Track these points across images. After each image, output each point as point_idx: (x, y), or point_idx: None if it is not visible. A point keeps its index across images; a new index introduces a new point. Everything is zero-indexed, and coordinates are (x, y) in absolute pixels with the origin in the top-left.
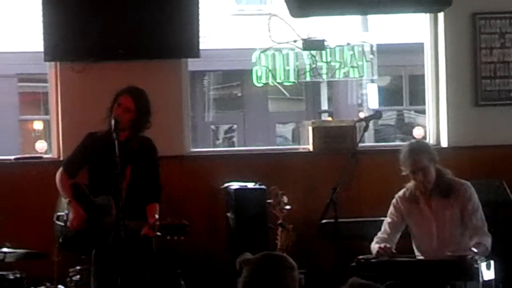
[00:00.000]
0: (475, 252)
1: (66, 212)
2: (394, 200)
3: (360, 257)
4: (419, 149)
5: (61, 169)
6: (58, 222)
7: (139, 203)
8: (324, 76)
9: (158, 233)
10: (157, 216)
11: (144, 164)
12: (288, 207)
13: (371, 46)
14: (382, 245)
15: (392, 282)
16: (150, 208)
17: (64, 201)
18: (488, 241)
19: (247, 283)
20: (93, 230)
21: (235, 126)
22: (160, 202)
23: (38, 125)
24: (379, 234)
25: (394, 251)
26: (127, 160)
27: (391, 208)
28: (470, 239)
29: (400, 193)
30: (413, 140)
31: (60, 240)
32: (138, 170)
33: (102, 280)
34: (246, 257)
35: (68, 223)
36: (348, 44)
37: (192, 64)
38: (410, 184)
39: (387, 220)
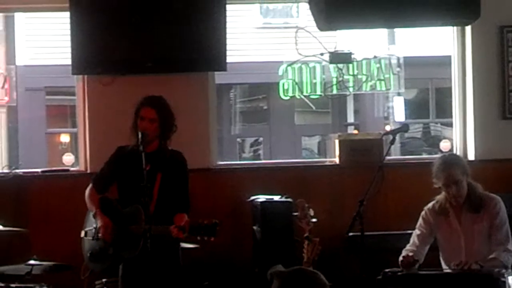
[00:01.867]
0: (481, 266)
1: (94, 226)
2: (423, 212)
3: (387, 270)
4: (453, 162)
5: (90, 184)
6: (86, 238)
7: (168, 213)
8: (351, 89)
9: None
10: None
11: (174, 173)
12: (314, 220)
13: (398, 59)
14: (404, 254)
15: None
16: (179, 217)
17: (91, 216)
18: (506, 258)
19: None
20: (121, 239)
21: (261, 139)
22: (188, 214)
23: (65, 138)
24: (408, 247)
25: (416, 258)
26: (157, 168)
27: (420, 220)
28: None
29: (430, 205)
30: (446, 153)
31: (88, 254)
32: (168, 179)
33: None
34: (279, 269)
35: (99, 235)
36: (375, 57)
37: (219, 77)
38: (440, 196)
39: (416, 232)
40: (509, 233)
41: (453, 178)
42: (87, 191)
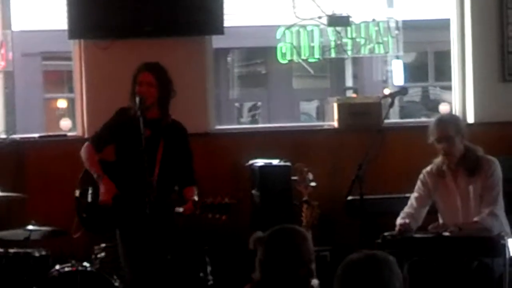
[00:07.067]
0: (460, 229)
1: (90, 188)
2: (421, 175)
3: (386, 233)
4: (448, 119)
5: (87, 143)
6: (82, 199)
7: (170, 181)
8: (349, 53)
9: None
10: (196, 198)
11: (177, 141)
12: (313, 184)
13: (397, 22)
14: (401, 222)
15: (418, 258)
16: (188, 191)
17: (87, 176)
18: (490, 222)
19: (264, 262)
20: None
21: (259, 103)
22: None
23: (62, 104)
24: (406, 209)
25: (412, 228)
26: (159, 135)
27: (418, 183)
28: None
29: (428, 168)
30: (448, 113)
31: (84, 215)
32: (171, 146)
33: (133, 259)
34: (258, 236)
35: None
36: (374, 20)
37: (217, 41)
38: (438, 159)
39: (414, 195)
40: (499, 196)
41: (445, 134)
42: (84, 150)
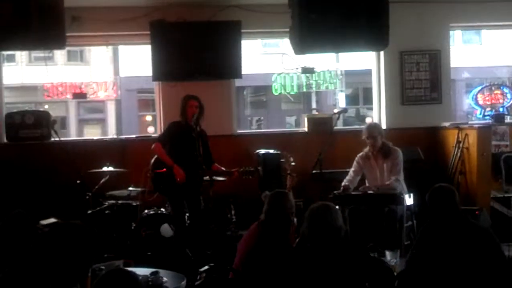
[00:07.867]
0: (378, 188)
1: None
2: (356, 158)
3: (335, 191)
4: (374, 126)
5: (157, 142)
6: (156, 179)
7: (205, 161)
8: (314, 88)
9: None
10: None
11: (205, 139)
12: (293, 163)
13: (341, 71)
14: (343, 185)
15: (354, 206)
16: (216, 166)
17: (158, 159)
18: (395, 184)
19: (267, 210)
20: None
21: (262, 117)
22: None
23: (149, 118)
24: (347, 177)
25: (350, 188)
26: (198, 136)
27: (354, 162)
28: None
29: (360, 154)
30: (373, 122)
31: (161, 186)
32: (203, 142)
33: (179, 207)
34: (266, 194)
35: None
36: (328, 69)
37: (237, 82)
38: (366, 148)
39: (352, 169)
40: (401, 169)
41: (371, 134)
42: (156, 146)
